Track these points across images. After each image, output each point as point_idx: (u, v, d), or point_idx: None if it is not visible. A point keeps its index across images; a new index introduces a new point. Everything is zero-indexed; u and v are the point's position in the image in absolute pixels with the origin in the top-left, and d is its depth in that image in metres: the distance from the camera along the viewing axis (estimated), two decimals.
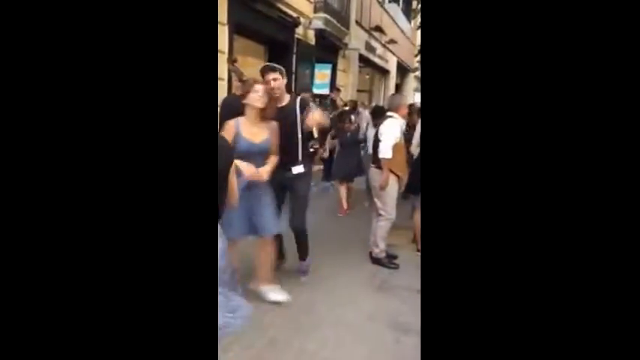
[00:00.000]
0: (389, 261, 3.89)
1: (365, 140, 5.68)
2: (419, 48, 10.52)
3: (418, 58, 16.49)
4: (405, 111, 4.11)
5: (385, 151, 3.71)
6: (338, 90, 8.17)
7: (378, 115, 5.68)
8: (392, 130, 3.75)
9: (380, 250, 3.91)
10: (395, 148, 3.71)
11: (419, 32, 15.66)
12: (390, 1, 8.37)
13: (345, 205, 5.70)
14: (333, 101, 7.61)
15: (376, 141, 3.85)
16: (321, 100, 8.20)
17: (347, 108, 7.86)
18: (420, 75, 18.62)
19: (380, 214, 3.88)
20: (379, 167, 3.81)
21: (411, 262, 3.92)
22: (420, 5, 10.62)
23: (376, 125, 5.51)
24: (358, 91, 13.28)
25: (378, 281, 3.52)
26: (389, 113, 3.95)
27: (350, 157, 5.66)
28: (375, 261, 3.91)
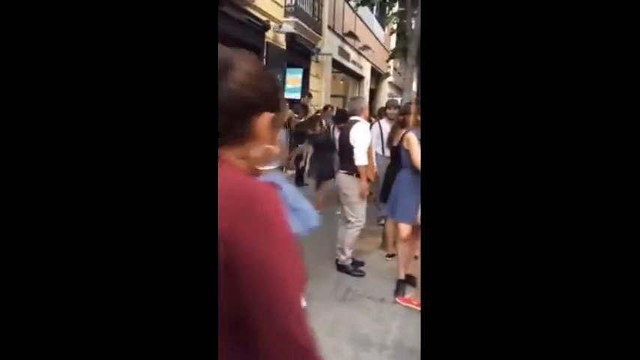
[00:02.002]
0: (355, 268, 3.74)
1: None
2: (390, 53, 10.46)
3: (390, 63, 16.49)
4: (367, 113, 4.02)
5: (361, 158, 3.55)
6: (309, 95, 8.02)
7: (341, 119, 5.58)
8: (364, 134, 3.61)
9: (346, 257, 3.75)
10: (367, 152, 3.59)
11: (393, 38, 15.69)
12: (360, 4, 8.23)
13: (319, 204, 5.52)
14: (304, 106, 7.47)
15: (346, 146, 3.70)
16: (291, 104, 8.03)
17: (319, 114, 7.78)
18: (393, 80, 18.71)
19: (349, 221, 3.73)
20: (349, 173, 3.67)
21: (377, 269, 3.79)
22: (391, 11, 10.57)
23: (342, 129, 5.45)
24: (332, 96, 13.19)
25: (342, 290, 3.36)
26: (354, 118, 3.81)
27: (323, 158, 5.60)
28: (341, 268, 3.75)
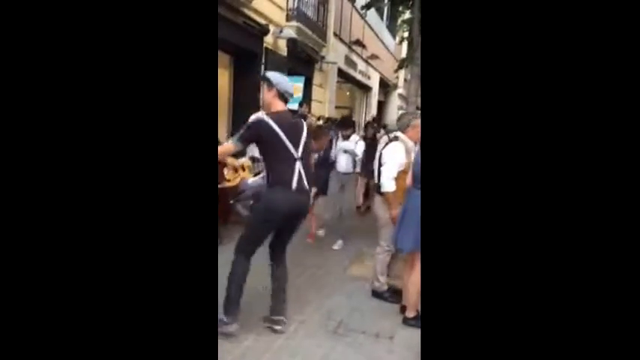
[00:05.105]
0: (390, 295, 3.51)
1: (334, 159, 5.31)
2: (398, 62, 10.33)
3: (400, 74, 16.36)
4: (418, 134, 3.30)
5: (387, 183, 3.27)
6: (306, 104, 7.86)
7: (344, 126, 5.36)
8: (395, 155, 3.27)
9: (380, 283, 3.56)
10: (399, 176, 3.25)
11: (403, 47, 15.60)
12: (366, 6, 8.09)
13: (314, 230, 5.32)
14: (303, 117, 7.28)
15: (379, 166, 3.42)
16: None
17: (320, 122, 7.59)
18: (403, 92, 18.57)
19: (379, 245, 3.55)
20: (380, 194, 3.45)
21: (374, 299, 3.54)
22: (401, 19, 10.45)
23: (345, 137, 5.25)
24: (337, 107, 13.05)
25: (334, 323, 3.10)
26: (397, 134, 3.45)
27: (319, 175, 5.40)
28: (376, 295, 3.57)
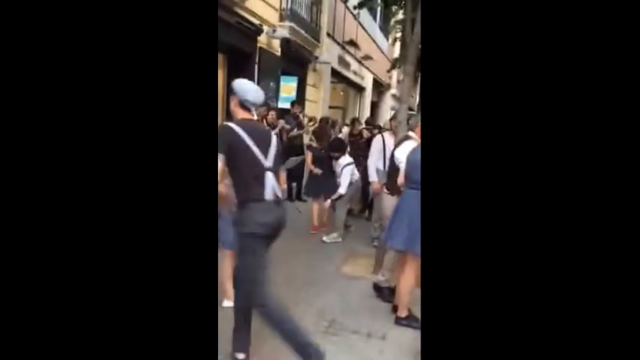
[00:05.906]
0: (388, 293, 3.52)
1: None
2: (391, 63, 10.36)
3: (392, 74, 16.40)
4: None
5: (401, 181, 3.28)
6: (298, 104, 7.87)
7: (335, 149, 5.40)
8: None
9: (384, 279, 3.61)
10: None
11: (396, 48, 15.65)
12: (358, 6, 8.10)
13: (316, 222, 5.59)
14: (296, 116, 7.29)
15: (393, 165, 3.52)
16: (284, 114, 7.86)
17: (311, 123, 7.62)
18: (396, 93, 18.63)
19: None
20: (391, 193, 3.54)
21: (366, 298, 3.55)
22: (394, 20, 10.49)
23: (335, 159, 5.47)
24: (331, 107, 13.06)
25: (327, 322, 3.11)
26: (409, 133, 3.57)
27: (322, 174, 5.63)
28: (376, 289, 3.62)
